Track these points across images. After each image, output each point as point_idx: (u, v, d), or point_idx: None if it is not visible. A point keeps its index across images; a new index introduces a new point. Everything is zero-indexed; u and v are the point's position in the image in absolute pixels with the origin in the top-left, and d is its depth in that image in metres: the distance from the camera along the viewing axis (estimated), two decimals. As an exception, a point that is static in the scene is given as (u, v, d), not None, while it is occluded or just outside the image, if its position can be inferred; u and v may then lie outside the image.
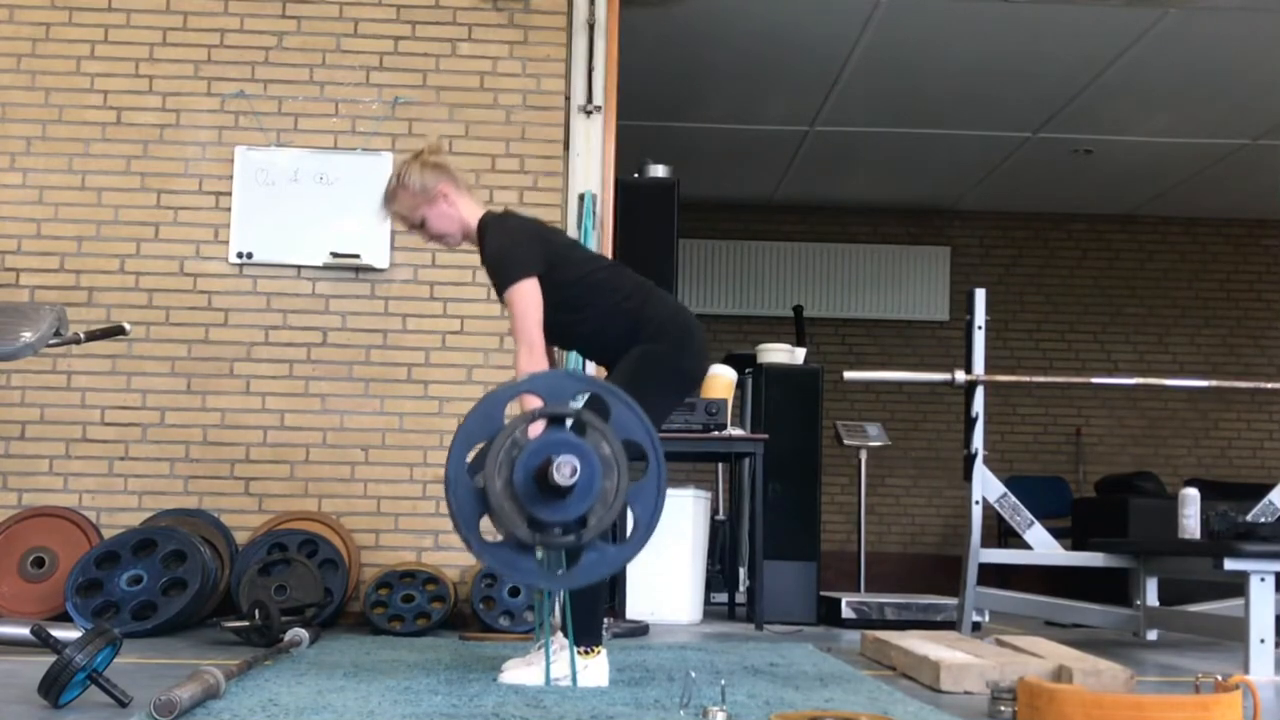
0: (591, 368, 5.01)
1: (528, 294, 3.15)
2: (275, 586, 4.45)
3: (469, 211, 3.38)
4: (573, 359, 4.85)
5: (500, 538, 2.79)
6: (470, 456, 2.83)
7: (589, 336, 3.36)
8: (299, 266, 5.25)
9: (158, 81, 5.28)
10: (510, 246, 3.24)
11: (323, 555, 4.70)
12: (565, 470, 2.59)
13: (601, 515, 2.71)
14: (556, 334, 3.34)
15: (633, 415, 2.80)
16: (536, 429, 2.74)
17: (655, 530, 2.81)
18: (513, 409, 2.87)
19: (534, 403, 2.81)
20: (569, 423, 2.77)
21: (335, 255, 5.20)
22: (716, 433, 5.42)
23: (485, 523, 2.78)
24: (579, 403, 2.95)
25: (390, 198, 3.41)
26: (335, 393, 5.19)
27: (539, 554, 2.79)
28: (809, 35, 6.55)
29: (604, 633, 3.28)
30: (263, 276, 5.24)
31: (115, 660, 2.74)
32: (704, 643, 4.59)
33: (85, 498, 5.05)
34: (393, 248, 5.23)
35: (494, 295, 5.10)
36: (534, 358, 3.09)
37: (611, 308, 3.29)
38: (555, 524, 2.68)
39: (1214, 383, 5.58)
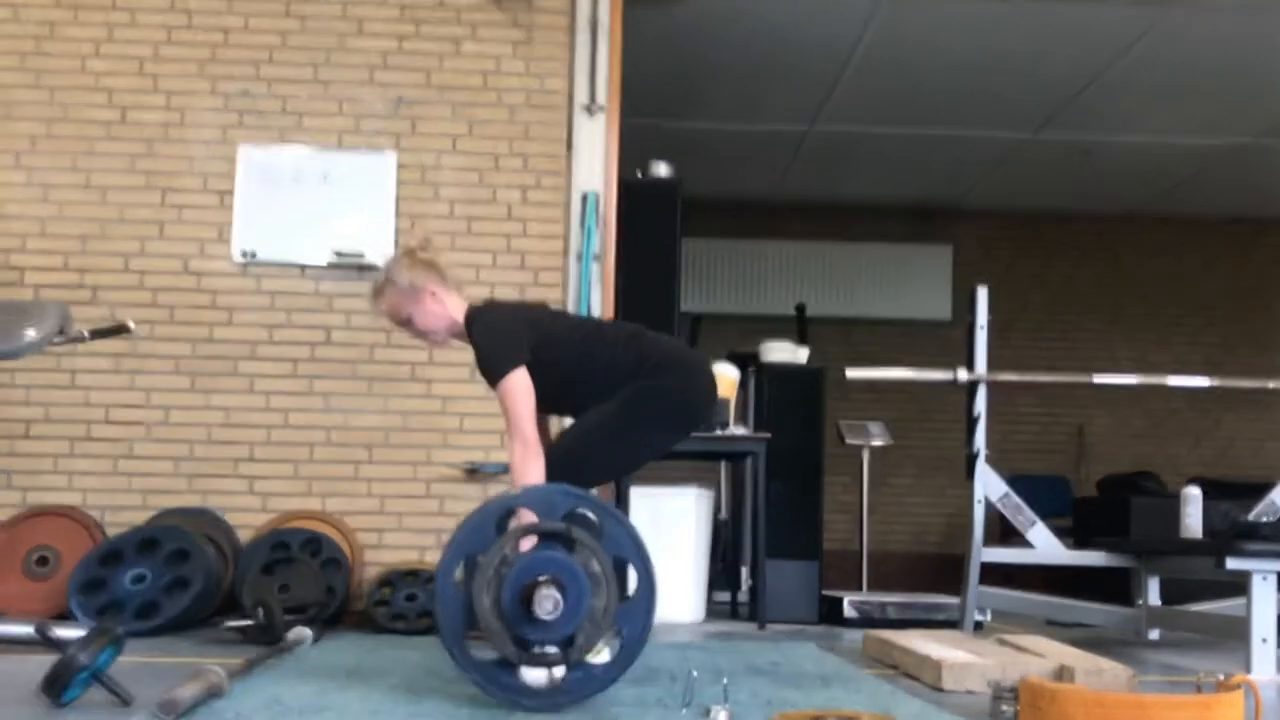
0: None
1: (517, 385, 3.16)
2: (278, 585, 4.45)
3: (456, 309, 3.39)
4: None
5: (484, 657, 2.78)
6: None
7: (590, 397, 3.34)
8: (303, 265, 5.25)
9: (162, 80, 5.29)
10: (495, 342, 3.24)
11: (326, 554, 4.71)
12: (547, 606, 2.60)
13: (590, 634, 2.71)
14: (558, 406, 3.36)
15: (623, 531, 2.81)
16: (527, 545, 2.75)
17: (642, 650, 2.80)
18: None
19: (527, 517, 2.82)
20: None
21: (339, 254, 5.21)
22: (719, 432, 5.42)
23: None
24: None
25: (378, 294, 3.42)
26: (339, 391, 5.20)
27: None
28: (811, 34, 6.55)
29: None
30: (266, 275, 5.24)
31: (118, 659, 2.74)
32: (706, 642, 4.60)
33: (89, 496, 5.06)
34: (397, 246, 5.23)
35: (497, 293, 5.17)
36: (529, 452, 3.10)
37: (607, 367, 3.30)
38: (542, 643, 2.68)
39: (1216, 382, 5.57)
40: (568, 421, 3.50)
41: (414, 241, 3.46)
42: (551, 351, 3.27)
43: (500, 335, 3.25)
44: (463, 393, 5.17)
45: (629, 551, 2.80)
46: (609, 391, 3.29)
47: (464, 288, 3.47)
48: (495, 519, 2.82)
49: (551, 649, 2.68)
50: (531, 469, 3.06)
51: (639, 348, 3.32)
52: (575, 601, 2.66)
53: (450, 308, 3.39)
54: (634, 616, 2.78)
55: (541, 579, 2.64)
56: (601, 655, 3.11)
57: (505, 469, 4.83)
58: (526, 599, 2.64)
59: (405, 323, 3.42)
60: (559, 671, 2.70)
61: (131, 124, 5.26)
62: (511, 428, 3.14)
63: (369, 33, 5.36)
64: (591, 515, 2.85)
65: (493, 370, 3.19)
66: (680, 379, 3.28)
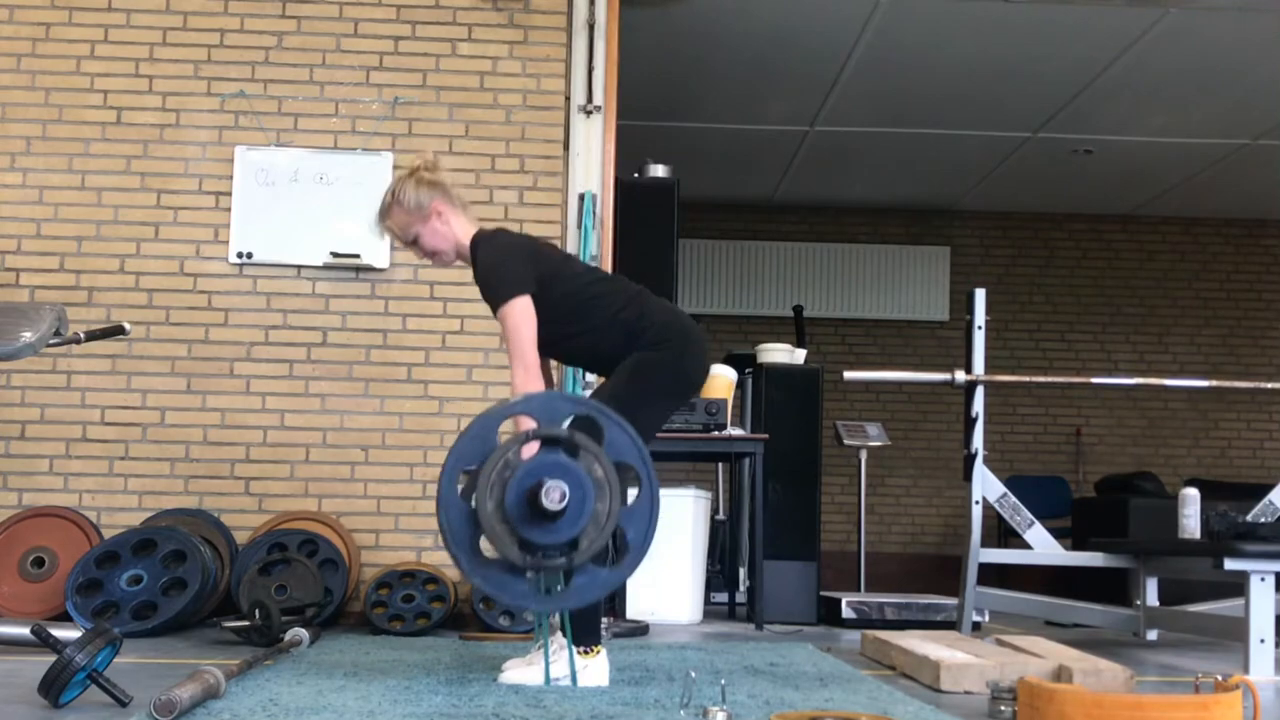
0: (591, 380, 5.02)
1: (521, 312, 3.13)
2: (275, 586, 4.45)
3: (463, 230, 3.36)
4: (570, 372, 4.84)
5: (491, 556, 2.78)
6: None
7: (588, 349, 3.34)
8: (299, 266, 5.25)
9: (158, 81, 5.28)
10: (501, 265, 3.21)
11: (323, 555, 4.71)
12: (554, 496, 2.59)
13: (593, 538, 2.71)
14: (554, 349, 3.34)
15: (625, 437, 2.80)
16: (529, 450, 2.74)
17: (647, 553, 2.80)
18: (507, 425, 2.87)
19: (528, 424, 2.81)
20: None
21: (335, 255, 5.21)
22: (716, 433, 5.42)
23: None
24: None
25: (384, 213, 3.38)
26: (335, 393, 5.20)
27: (530, 575, 2.78)
28: (809, 35, 6.55)
29: (604, 632, 3.28)
30: (263, 276, 5.24)
31: (115, 660, 2.74)
32: (704, 643, 4.59)
33: (85, 497, 5.05)
34: (393, 248, 5.23)
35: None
36: (529, 376, 3.07)
37: (609, 319, 3.27)
38: (547, 546, 2.68)
39: (1214, 383, 5.57)
40: (559, 370, 3.47)
41: (419, 161, 3.43)
42: (556, 288, 3.24)
43: (506, 261, 3.22)
44: (460, 394, 5.17)
45: (631, 457, 2.79)
46: (602, 342, 3.27)
47: (471, 209, 3.44)
48: (496, 426, 2.80)
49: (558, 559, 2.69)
50: (533, 390, 3.04)
51: (640, 308, 3.29)
52: (579, 504, 2.66)
53: (457, 228, 3.35)
54: (637, 520, 2.78)
55: (546, 481, 2.63)
56: (597, 659, 3.11)
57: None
58: (531, 501, 2.63)
59: (412, 242, 3.39)
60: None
61: (127, 125, 5.26)
62: (512, 351, 3.12)
63: (365, 34, 5.35)
64: (594, 421, 2.84)
65: (496, 295, 3.17)
66: (680, 349, 3.26)
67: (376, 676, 3.21)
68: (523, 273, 3.19)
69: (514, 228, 5.22)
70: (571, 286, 3.28)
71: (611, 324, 3.26)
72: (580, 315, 3.27)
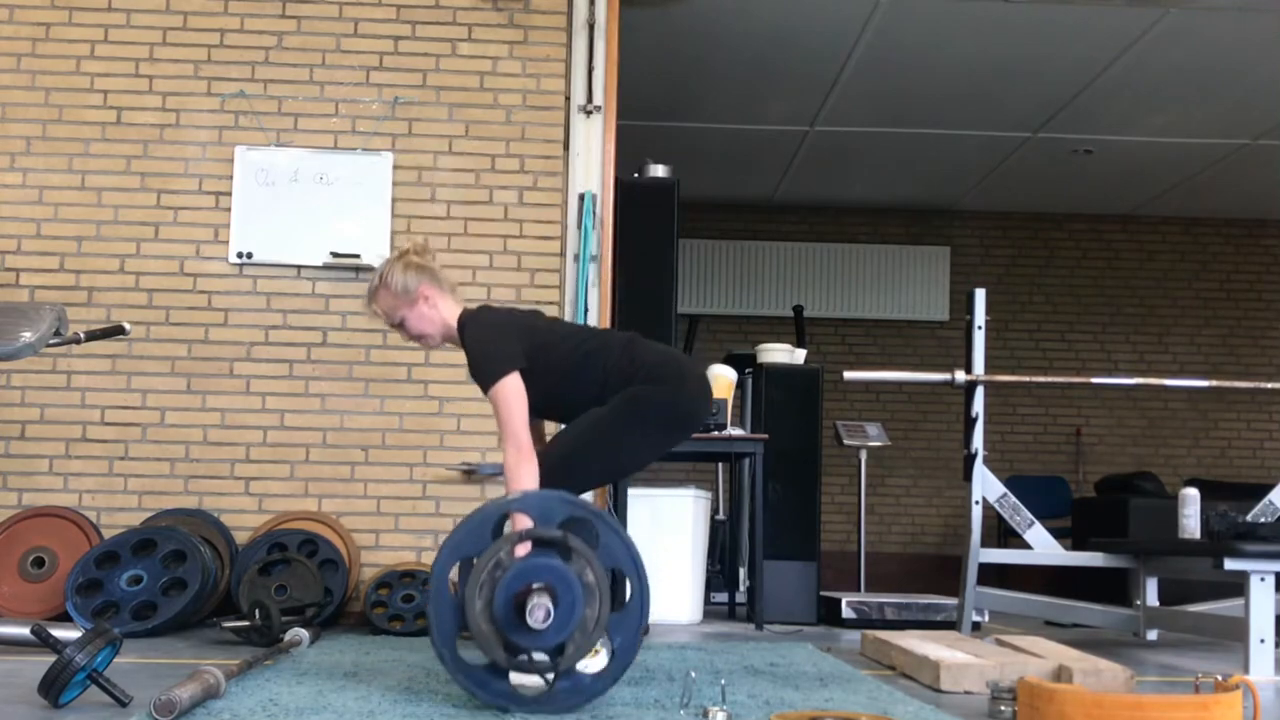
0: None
1: (511, 390, 3.13)
2: (275, 586, 4.45)
3: (450, 313, 3.36)
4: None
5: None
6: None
7: (583, 404, 3.33)
8: (299, 266, 5.25)
9: (158, 81, 5.28)
10: (489, 345, 3.21)
11: (323, 555, 4.71)
12: (538, 615, 2.59)
13: (580, 644, 2.70)
14: (552, 412, 3.36)
15: (619, 542, 2.80)
16: (522, 550, 2.74)
17: (632, 661, 2.79)
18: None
19: (524, 522, 2.81)
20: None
21: (335, 255, 5.20)
22: (716, 433, 5.42)
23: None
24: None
25: (372, 296, 3.40)
26: (335, 393, 5.20)
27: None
28: (809, 35, 6.55)
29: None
30: (263, 276, 5.24)
31: (115, 660, 2.74)
32: (704, 643, 4.59)
33: (85, 498, 5.05)
34: (393, 248, 5.23)
35: (494, 295, 5.16)
36: (522, 456, 3.07)
37: (603, 373, 3.28)
38: (532, 650, 2.67)
39: (1214, 383, 5.57)
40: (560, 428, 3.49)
41: (409, 244, 3.45)
42: (545, 357, 3.25)
43: (493, 340, 3.23)
44: (459, 394, 5.16)
45: (624, 563, 2.79)
46: (602, 398, 3.28)
47: (459, 291, 3.45)
48: (492, 522, 2.81)
49: (541, 657, 2.67)
50: (525, 473, 3.05)
51: (633, 354, 3.31)
52: (567, 610, 2.65)
53: (444, 311, 3.37)
54: (627, 627, 2.77)
55: (535, 586, 2.63)
56: (598, 658, 3.10)
57: (501, 470, 4.83)
58: (519, 605, 2.63)
59: (399, 325, 3.41)
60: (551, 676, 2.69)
61: (127, 125, 5.26)
62: (504, 433, 3.13)
63: (365, 34, 5.35)
64: (589, 524, 2.84)
65: (485, 375, 3.18)
66: (675, 386, 3.27)
67: (376, 676, 3.21)
68: (509, 350, 3.19)
69: (514, 228, 5.30)
70: (562, 352, 3.29)
71: (605, 377, 3.28)
72: (574, 378, 3.29)
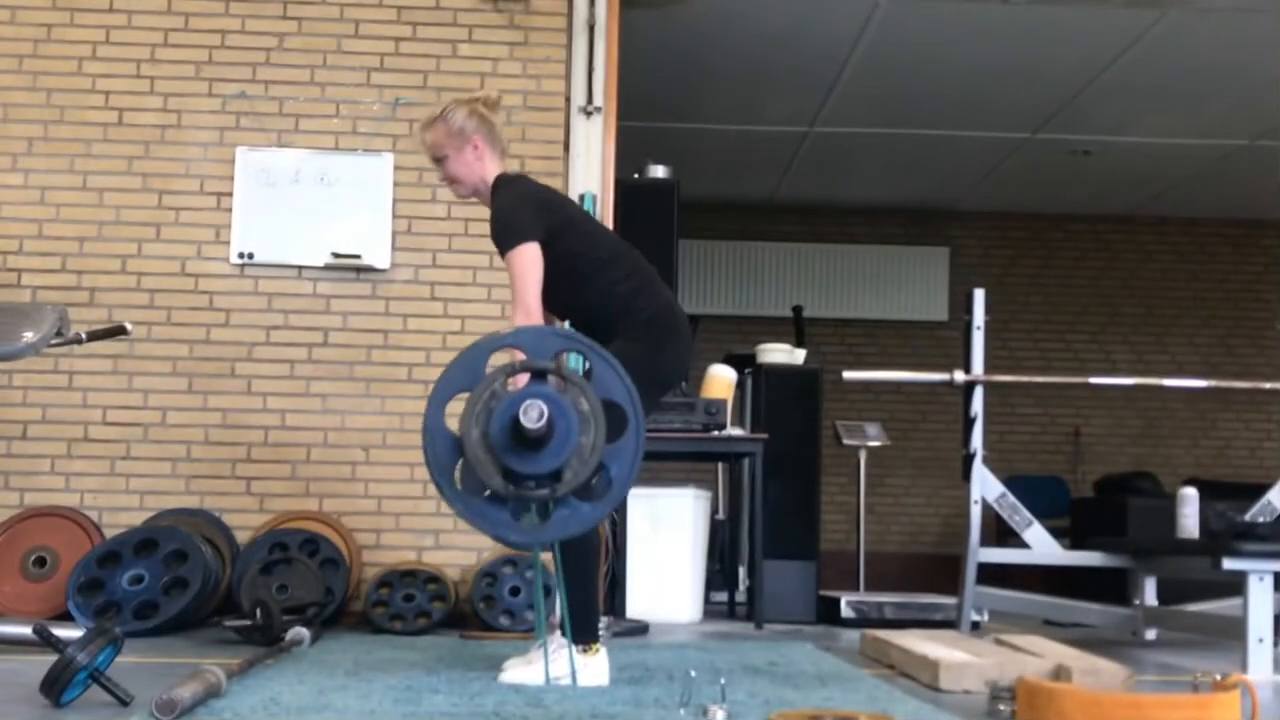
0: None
1: (527, 258, 3.18)
2: (276, 586, 4.45)
3: (490, 171, 3.41)
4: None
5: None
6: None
7: (577, 309, 3.36)
8: (300, 267, 5.26)
9: (159, 82, 5.29)
10: (515, 210, 3.26)
11: (324, 554, 4.71)
12: (532, 414, 2.60)
13: (577, 470, 2.71)
14: (555, 299, 3.35)
15: (614, 375, 2.82)
16: (518, 382, 2.76)
17: (628, 490, 2.83)
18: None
19: (519, 357, 2.83)
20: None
21: (336, 256, 5.21)
22: (716, 433, 5.43)
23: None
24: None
25: (427, 125, 3.45)
26: (336, 393, 5.20)
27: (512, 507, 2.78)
28: (809, 36, 6.56)
29: (604, 631, 3.29)
30: (264, 277, 5.24)
31: (117, 659, 2.74)
32: (704, 642, 4.60)
33: (87, 497, 5.05)
34: (394, 248, 5.24)
35: (494, 296, 5.17)
36: (530, 320, 3.11)
37: (606, 288, 3.29)
38: (530, 476, 2.69)
39: (1212, 383, 5.58)
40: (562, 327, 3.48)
41: (483, 94, 3.49)
42: (565, 242, 3.27)
43: (520, 209, 3.26)
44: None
45: (618, 394, 2.80)
46: (593, 308, 3.29)
47: (506, 160, 3.49)
48: (486, 356, 2.82)
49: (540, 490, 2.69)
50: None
51: (638, 286, 3.31)
52: (563, 435, 2.67)
53: (487, 166, 3.41)
54: (622, 457, 2.79)
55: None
56: (598, 658, 3.12)
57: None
58: (515, 428, 2.64)
59: (439, 161, 3.43)
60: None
61: (128, 126, 5.26)
62: (516, 296, 3.17)
63: (366, 35, 5.36)
64: (585, 355, 2.86)
65: (505, 239, 3.21)
66: (658, 343, 3.26)
67: (377, 676, 3.22)
68: (533, 221, 3.23)
69: (514, 228, 5.29)
70: (579, 245, 3.30)
71: (608, 293, 3.29)
72: (583, 275, 3.29)
